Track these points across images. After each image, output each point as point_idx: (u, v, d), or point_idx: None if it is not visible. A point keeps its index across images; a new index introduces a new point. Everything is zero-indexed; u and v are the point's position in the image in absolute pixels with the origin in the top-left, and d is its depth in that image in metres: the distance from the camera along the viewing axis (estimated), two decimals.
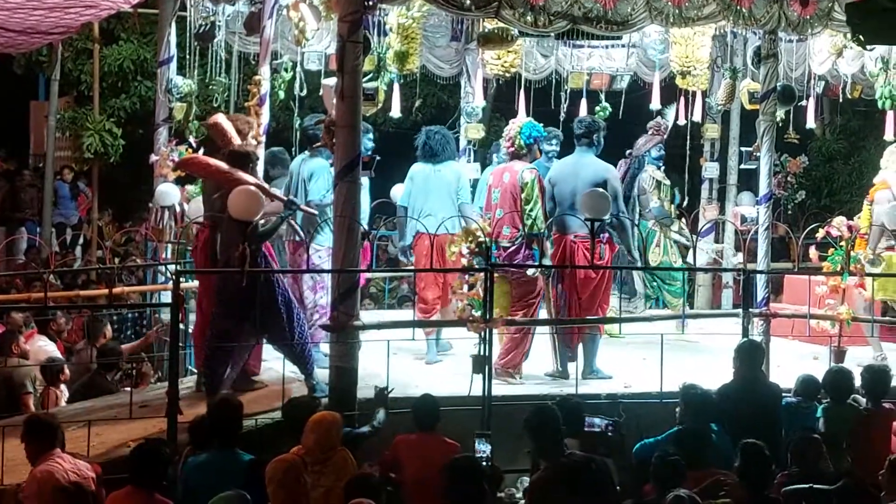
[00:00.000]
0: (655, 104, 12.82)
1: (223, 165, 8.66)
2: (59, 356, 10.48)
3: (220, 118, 9.21)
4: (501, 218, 9.32)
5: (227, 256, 8.37)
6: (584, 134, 9.77)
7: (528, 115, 12.41)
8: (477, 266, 8.56)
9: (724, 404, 7.57)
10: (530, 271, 9.24)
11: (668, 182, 11.91)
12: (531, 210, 9.22)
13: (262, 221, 8.34)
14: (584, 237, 9.20)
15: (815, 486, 6.27)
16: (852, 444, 7.60)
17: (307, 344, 8.53)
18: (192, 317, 10.12)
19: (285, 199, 8.75)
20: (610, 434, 6.99)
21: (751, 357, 8.04)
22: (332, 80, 10.00)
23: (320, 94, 10.72)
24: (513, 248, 9.27)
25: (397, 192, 11.12)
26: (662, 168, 11.96)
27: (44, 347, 10.55)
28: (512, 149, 9.53)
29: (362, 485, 6.07)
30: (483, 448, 7.05)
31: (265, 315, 8.31)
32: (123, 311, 11.83)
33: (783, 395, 8.03)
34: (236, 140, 9.03)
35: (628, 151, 11.93)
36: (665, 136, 12.04)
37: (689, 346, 10.74)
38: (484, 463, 6.89)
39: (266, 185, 8.65)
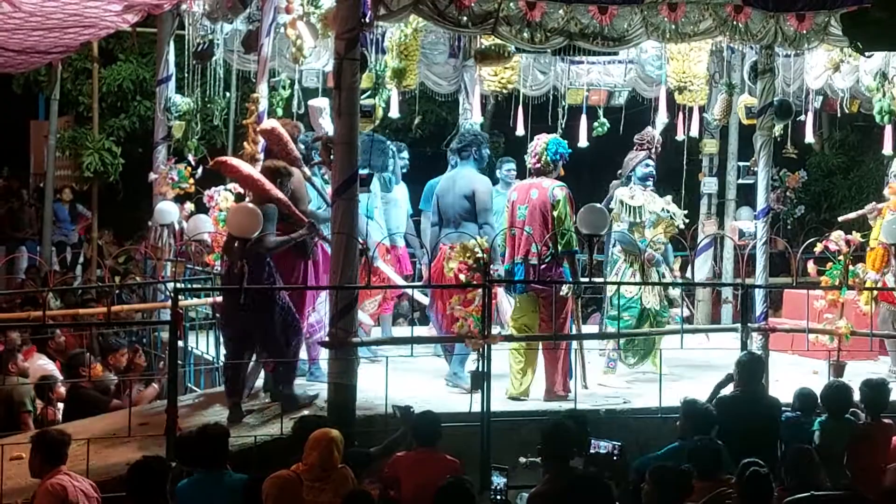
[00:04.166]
0: (662, 118, 12.80)
1: (255, 173, 8.72)
2: (59, 375, 10.49)
3: (276, 123, 9.24)
4: (530, 235, 9.23)
5: (229, 272, 8.42)
6: (464, 147, 9.88)
7: (526, 131, 12.46)
8: (475, 282, 8.56)
9: (724, 416, 7.57)
10: (564, 289, 9.17)
11: (638, 204, 10.12)
12: (565, 227, 9.19)
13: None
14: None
15: (815, 493, 6.23)
16: (850, 459, 7.58)
17: (297, 358, 8.61)
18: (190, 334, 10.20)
19: (307, 220, 8.80)
20: (615, 458, 6.96)
21: (751, 370, 8.05)
22: (317, 101, 10.07)
23: None
24: (542, 265, 9.21)
25: None
26: (650, 188, 10.26)
27: (44, 366, 10.57)
28: (538, 165, 9.45)
29: (357, 501, 6.05)
30: (498, 481, 6.98)
31: (259, 327, 8.37)
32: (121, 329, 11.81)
33: (783, 409, 8.03)
34: (292, 146, 9.09)
35: (619, 171, 10.48)
36: (654, 150, 10.34)
37: (689, 361, 10.72)
38: (498, 497, 6.86)
39: (290, 203, 8.68)
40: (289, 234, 8.64)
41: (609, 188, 10.45)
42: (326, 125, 9.69)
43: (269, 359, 8.57)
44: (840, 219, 12.50)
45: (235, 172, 8.90)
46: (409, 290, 10.96)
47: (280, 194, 8.62)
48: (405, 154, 10.96)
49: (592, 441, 6.99)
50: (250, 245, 8.12)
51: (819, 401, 7.97)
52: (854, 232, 10.41)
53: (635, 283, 9.95)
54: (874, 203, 11.49)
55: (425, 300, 10.60)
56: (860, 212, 11.74)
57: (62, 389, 10.04)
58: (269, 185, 8.61)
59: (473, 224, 9.47)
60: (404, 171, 11.02)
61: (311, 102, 10.31)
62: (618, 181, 10.40)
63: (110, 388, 10.33)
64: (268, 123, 9.38)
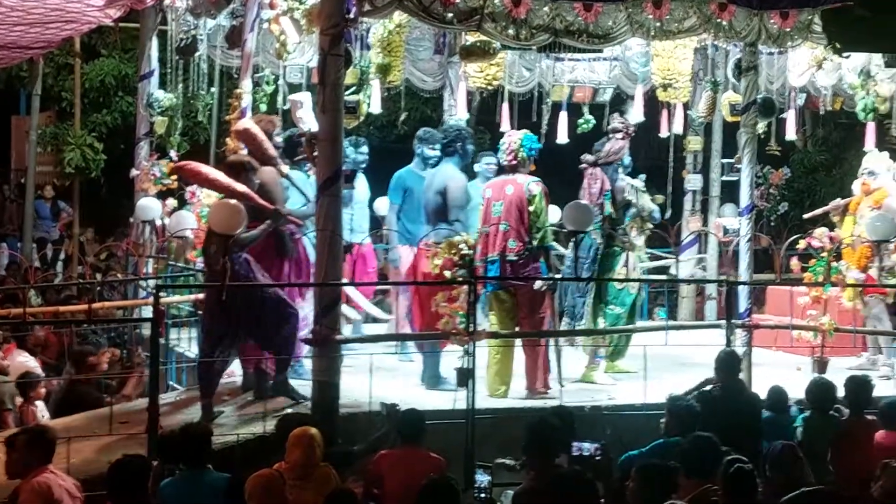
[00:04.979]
0: (638, 117, 12.79)
1: (214, 172, 8.64)
2: (40, 372, 10.41)
3: (249, 123, 9.17)
4: (507, 231, 9.21)
5: (210, 269, 8.35)
6: (449, 143, 9.78)
7: (511, 127, 12.39)
8: (460, 279, 8.54)
9: (704, 412, 7.57)
10: (537, 284, 9.16)
11: (644, 189, 10.30)
12: (541, 223, 9.18)
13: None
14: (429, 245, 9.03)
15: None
16: (833, 456, 7.59)
17: (293, 346, 8.55)
18: (172, 331, 10.13)
19: (272, 208, 8.71)
20: (598, 458, 6.95)
21: (728, 366, 8.10)
22: (299, 95, 10.01)
23: None
24: (519, 261, 9.19)
25: (380, 205, 11.18)
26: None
27: (25, 363, 10.47)
28: (514, 161, 9.43)
29: (341, 500, 6.02)
30: (482, 479, 6.97)
31: (251, 321, 8.32)
32: (102, 326, 11.74)
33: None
34: (268, 144, 9.00)
35: (592, 159, 10.03)
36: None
37: (673, 358, 10.71)
38: (483, 495, 6.83)
39: (255, 195, 8.59)
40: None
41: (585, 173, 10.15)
42: (307, 118, 9.61)
43: (263, 350, 8.55)
44: (805, 216, 12.54)
45: (195, 176, 8.86)
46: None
47: (242, 188, 8.48)
48: (364, 149, 10.83)
49: (575, 444, 6.97)
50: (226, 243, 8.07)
51: (804, 397, 7.99)
52: (837, 229, 10.44)
53: (620, 280, 9.95)
54: (838, 199, 11.54)
55: (382, 315, 10.66)
56: (825, 208, 11.77)
57: (42, 390, 9.95)
58: (227, 181, 8.49)
59: (446, 221, 9.40)
60: (363, 166, 10.86)
61: (290, 96, 10.25)
62: (591, 170, 10.08)
63: (111, 385, 10.27)
64: (241, 124, 9.31)
